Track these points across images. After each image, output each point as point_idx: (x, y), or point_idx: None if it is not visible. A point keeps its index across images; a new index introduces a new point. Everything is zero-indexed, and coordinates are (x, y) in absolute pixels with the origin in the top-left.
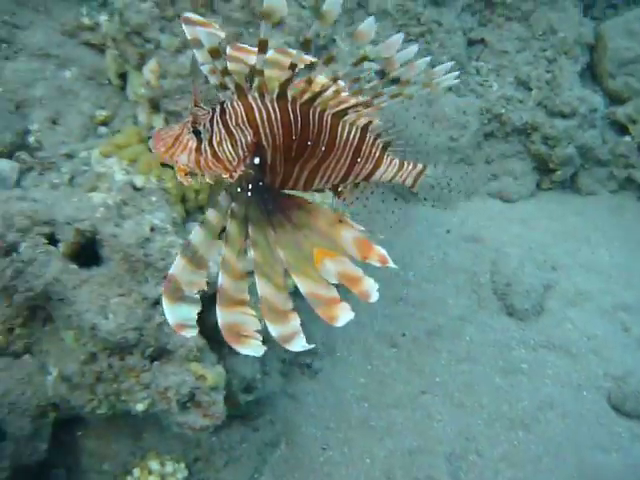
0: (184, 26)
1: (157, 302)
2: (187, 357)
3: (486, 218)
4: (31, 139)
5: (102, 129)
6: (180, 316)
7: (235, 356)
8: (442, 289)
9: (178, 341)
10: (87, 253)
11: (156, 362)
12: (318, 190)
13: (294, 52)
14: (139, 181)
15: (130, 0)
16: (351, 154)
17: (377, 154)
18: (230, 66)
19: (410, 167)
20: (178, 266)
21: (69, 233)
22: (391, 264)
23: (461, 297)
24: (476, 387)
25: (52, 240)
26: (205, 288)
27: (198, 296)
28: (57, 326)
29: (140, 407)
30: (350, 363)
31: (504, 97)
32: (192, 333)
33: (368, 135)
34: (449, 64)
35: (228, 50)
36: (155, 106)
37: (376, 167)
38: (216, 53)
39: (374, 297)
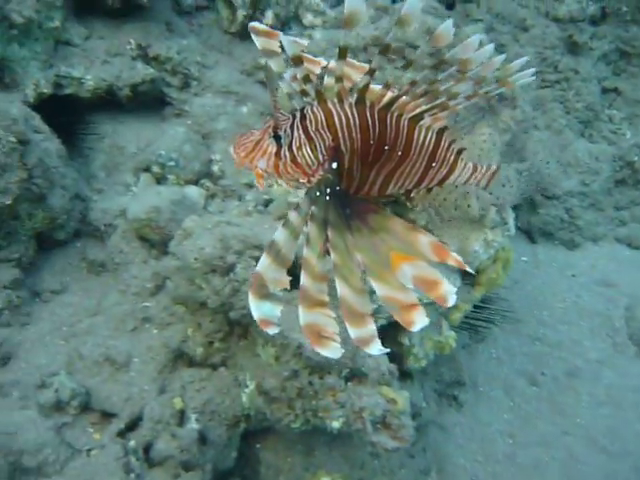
0: (253, 36)
1: None
2: (379, 380)
3: (615, 263)
4: (214, 168)
5: None
6: (264, 312)
7: (404, 383)
8: (577, 331)
9: (371, 364)
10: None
11: (350, 383)
12: (388, 196)
13: (356, 62)
14: None
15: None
16: (426, 158)
17: (452, 158)
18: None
19: (484, 170)
20: (263, 264)
21: None
22: (467, 267)
23: (597, 340)
24: (619, 432)
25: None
26: (288, 287)
27: (282, 294)
28: (252, 342)
29: (336, 425)
30: (493, 398)
31: (637, 145)
32: (275, 330)
33: (443, 139)
34: (524, 58)
35: None
36: None
37: (451, 171)
38: (298, 60)
39: (451, 301)
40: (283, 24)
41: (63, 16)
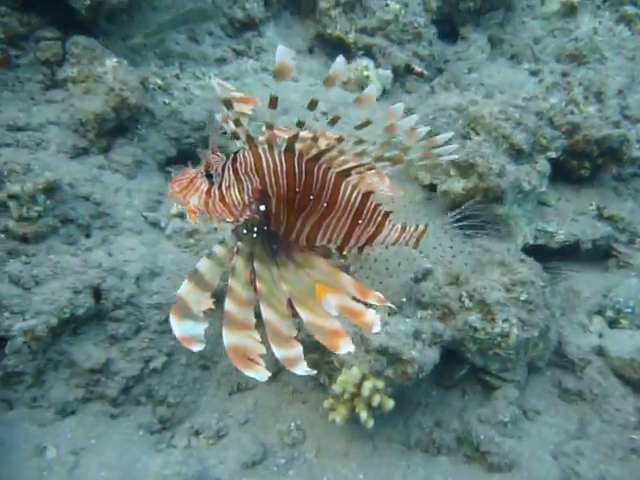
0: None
1: None
2: None
3: None
4: None
5: None
6: (186, 330)
7: None
8: None
9: None
10: None
11: None
12: (326, 255)
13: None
14: None
15: None
16: (352, 215)
17: (379, 219)
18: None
19: (412, 229)
20: (184, 289)
21: None
22: (388, 303)
23: None
24: None
25: None
26: (212, 307)
27: (203, 315)
28: None
29: None
30: None
31: None
32: (199, 347)
33: (370, 201)
34: (449, 134)
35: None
36: None
37: (378, 231)
38: (229, 103)
39: (377, 327)
40: None
41: (547, 183)
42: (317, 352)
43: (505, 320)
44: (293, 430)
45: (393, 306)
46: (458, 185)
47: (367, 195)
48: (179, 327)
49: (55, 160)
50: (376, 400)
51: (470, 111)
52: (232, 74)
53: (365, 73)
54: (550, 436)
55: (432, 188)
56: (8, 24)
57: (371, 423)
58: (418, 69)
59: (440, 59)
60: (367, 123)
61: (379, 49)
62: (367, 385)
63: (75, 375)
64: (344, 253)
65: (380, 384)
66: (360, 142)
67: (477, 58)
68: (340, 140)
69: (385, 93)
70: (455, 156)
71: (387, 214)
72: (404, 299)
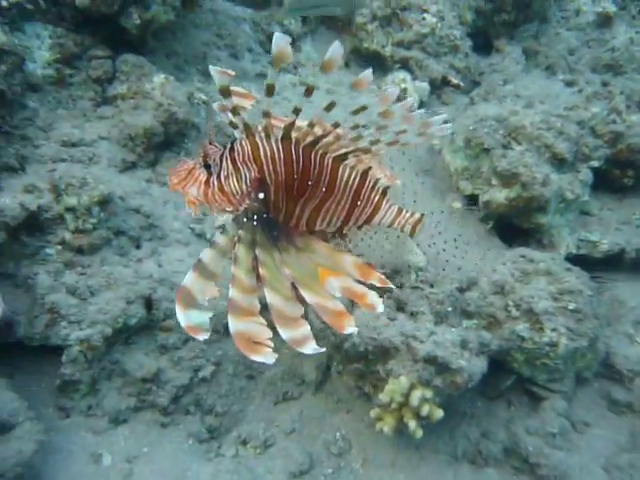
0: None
1: None
2: None
3: None
4: None
5: None
6: (191, 320)
7: None
8: None
9: None
10: None
11: None
12: (326, 240)
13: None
14: None
15: None
16: (351, 197)
17: (376, 199)
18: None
19: (408, 215)
20: (189, 279)
21: None
22: (390, 285)
23: None
24: None
25: None
26: (217, 295)
27: (208, 304)
28: None
29: None
30: None
31: None
32: (205, 336)
33: (368, 179)
34: (444, 115)
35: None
36: None
37: (375, 211)
38: (226, 92)
39: (380, 308)
40: None
41: (589, 192)
42: (362, 362)
43: (554, 329)
44: (339, 440)
45: (394, 287)
46: (500, 195)
47: (365, 173)
48: (184, 316)
49: (106, 174)
50: (425, 410)
51: (511, 121)
52: None
53: (402, 85)
54: (601, 449)
55: (473, 198)
56: (64, 45)
57: (420, 433)
58: (454, 81)
59: (475, 71)
60: (363, 108)
61: (416, 62)
62: (416, 394)
63: (127, 384)
64: (344, 232)
65: (429, 393)
66: (356, 127)
67: (512, 70)
68: (336, 126)
69: (422, 105)
70: (448, 132)
71: (385, 193)
72: (450, 308)
